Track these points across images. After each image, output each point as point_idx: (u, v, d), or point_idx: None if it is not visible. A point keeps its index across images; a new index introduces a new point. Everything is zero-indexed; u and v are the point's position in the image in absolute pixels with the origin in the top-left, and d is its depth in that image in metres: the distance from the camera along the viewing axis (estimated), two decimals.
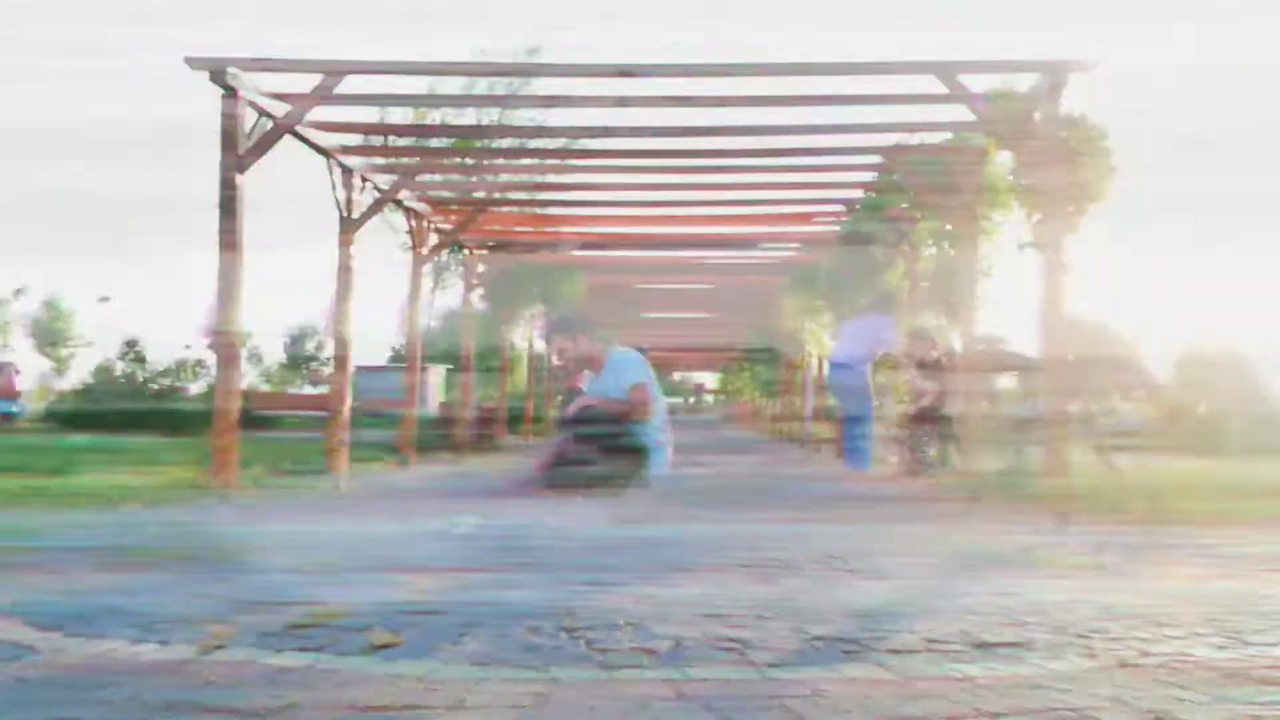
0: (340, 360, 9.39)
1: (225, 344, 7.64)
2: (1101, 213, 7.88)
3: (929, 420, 11.00)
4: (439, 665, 2.59)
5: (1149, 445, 20.41)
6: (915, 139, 9.44)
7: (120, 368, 31.50)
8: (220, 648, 2.71)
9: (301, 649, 2.73)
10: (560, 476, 6.08)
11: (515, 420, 21.26)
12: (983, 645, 2.95)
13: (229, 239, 7.42)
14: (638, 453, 5.99)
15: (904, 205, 10.58)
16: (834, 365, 10.07)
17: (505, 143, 14.56)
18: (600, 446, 5.87)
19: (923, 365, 10.79)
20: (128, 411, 19.24)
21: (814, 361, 21.01)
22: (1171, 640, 3.09)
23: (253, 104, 7.61)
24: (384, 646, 2.76)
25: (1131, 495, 7.03)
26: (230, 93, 7.38)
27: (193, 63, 7.29)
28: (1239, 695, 2.50)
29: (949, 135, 9.06)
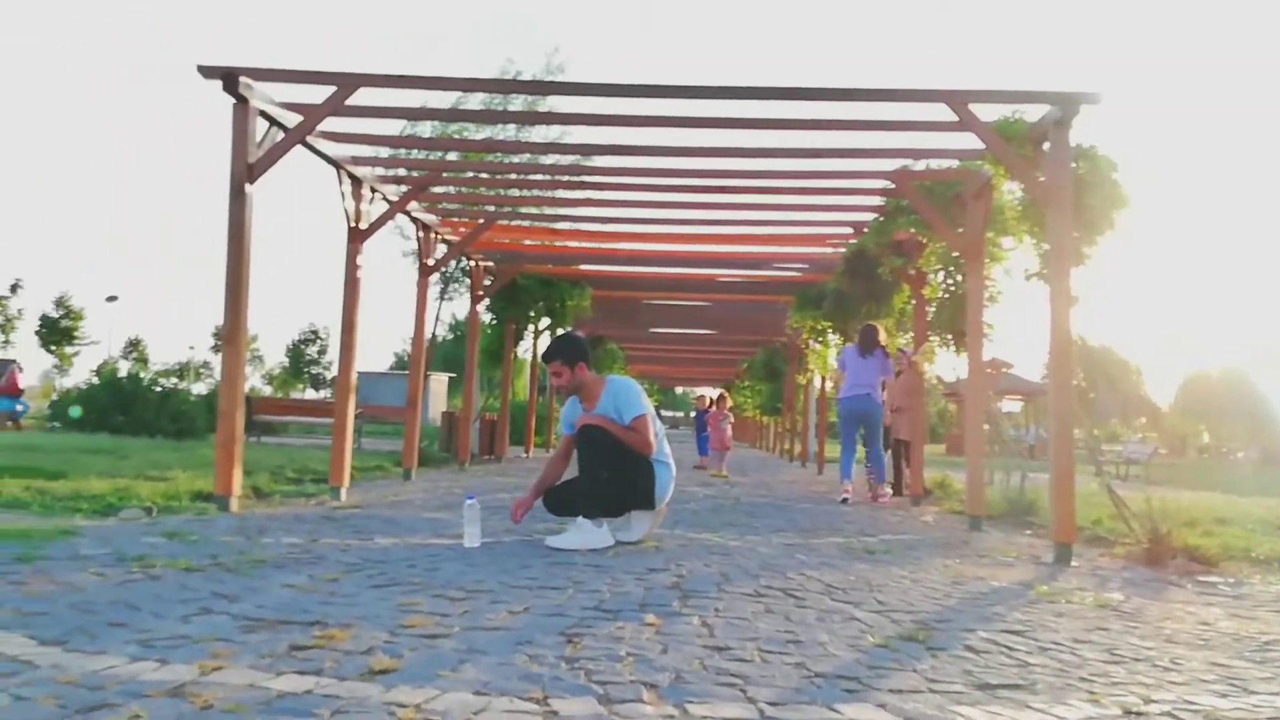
0: (345, 370, 9.37)
1: (232, 350, 7.63)
2: (1110, 242, 7.87)
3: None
4: (437, 693, 2.57)
5: (1151, 476, 20.39)
6: (923, 165, 9.44)
7: (124, 367, 31.51)
8: (220, 669, 2.70)
9: (301, 672, 2.72)
10: (562, 497, 6.05)
11: (517, 432, 21.24)
12: (985, 687, 2.94)
13: (237, 247, 7.42)
14: (641, 474, 5.94)
15: (912, 230, 10.57)
16: (858, 395, 10.67)
17: (515, 158, 14.60)
18: (603, 467, 5.84)
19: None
20: (131, 413, 19.19)
21: (818, 381, 21.01)
22: (1175, 686, 3.07)
23: (264, 113, 7.62)
24: (383, 672, 2.75)
25: (1134, 529, 7.01)
26: (242, 101, 7.39)
27: (205, 71, 7.31)
28: None
29: (957, 163, 9.05)
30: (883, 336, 10.88)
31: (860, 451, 11.46)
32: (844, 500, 10.32)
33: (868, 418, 10.68)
